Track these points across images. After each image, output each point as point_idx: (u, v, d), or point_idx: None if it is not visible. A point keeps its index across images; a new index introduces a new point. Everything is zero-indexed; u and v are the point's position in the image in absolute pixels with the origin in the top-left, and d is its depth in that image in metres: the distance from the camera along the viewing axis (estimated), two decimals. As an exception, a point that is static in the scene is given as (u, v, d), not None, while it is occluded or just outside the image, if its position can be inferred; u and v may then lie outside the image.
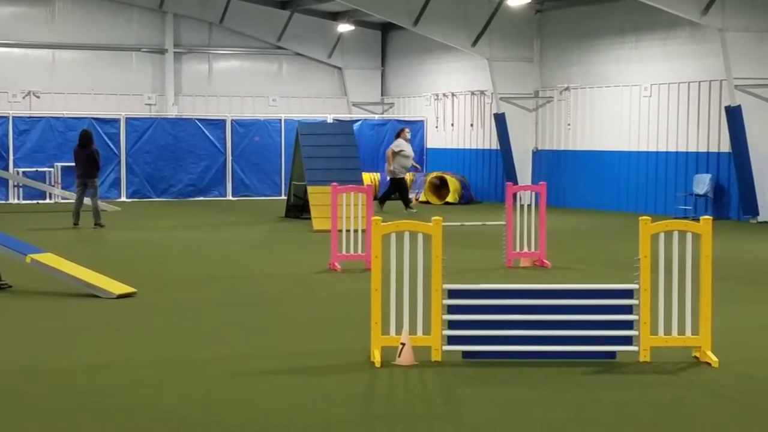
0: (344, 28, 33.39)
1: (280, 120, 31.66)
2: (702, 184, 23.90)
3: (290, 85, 34.67)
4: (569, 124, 27.93)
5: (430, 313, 8.79)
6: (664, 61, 25.22)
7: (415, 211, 24.88)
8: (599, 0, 26.79)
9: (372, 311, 8.83)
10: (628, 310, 8.87)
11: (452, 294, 8.90)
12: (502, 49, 28.45)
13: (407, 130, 27.42)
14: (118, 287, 12.49)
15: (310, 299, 12.55)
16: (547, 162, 28.61)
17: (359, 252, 14.91)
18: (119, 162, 29.97)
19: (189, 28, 33.68)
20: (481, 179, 30.63)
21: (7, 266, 13.09)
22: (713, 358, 8.74)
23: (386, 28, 34.46)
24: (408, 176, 27.79)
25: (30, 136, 29.33)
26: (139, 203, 29.01)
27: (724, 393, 7.97)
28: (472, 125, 31.12)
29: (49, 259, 12.99)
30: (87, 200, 21.44)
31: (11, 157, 29.17)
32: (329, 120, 31.29)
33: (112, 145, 29.72)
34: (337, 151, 22.56)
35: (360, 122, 31.94)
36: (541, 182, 16.02)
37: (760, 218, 22.92)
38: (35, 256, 12.85)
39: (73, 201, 22.25)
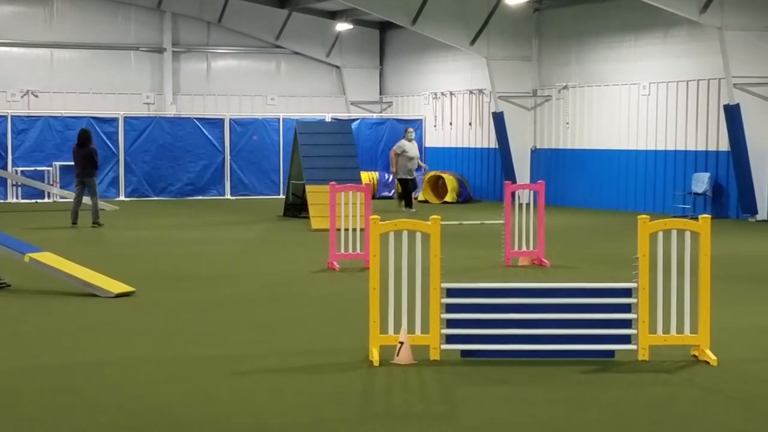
0: (342, 26, 33.40)
1: (279, 119, 31.65)
2: (701, 182, 23.89)
3: (288, 84, 34.68)
4: (568, 123, 27.92)
5: (429, 311, 8.78)
6: (662, 59, 25.21)
7: (414, 210, 24.87)
8: (598, -2, 26.84)
9: (370, 310, 8.83)
10: (626, 308, 8.87)
11: (451, 293, 8.90)
12: (500, 47, 28.44)
13: (411, 129, 27.33)
14: (116, 286, 12.49)
15: (309, 298, 12.54)
16: (546, 161, 28.60)
17: (358, 251, 14.92)
18: (118, 161, 29.98)
19: (187, 28, 33.68)
20: (480, 178, 30.62)
21: (6, 265, 13.09)
22: (712, 357, 8.74)
23: (384, 27, 34.46)
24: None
25: (28, 135, 29.34)
26: (138, 202, 29.00)
27: (723, 392, 7.96)
28: (470, 124, 31.11)
29: (47, 258, 12.98)
30: (87, 199, 21.46)
31: (10, 157, 29.17)
32: (327, 119, 31.27)
33: (110, 145, 29.73)
34: (335, 150, 22.55)
35: (358, 121, 31.92)
36: (539, 181, 16.01)
37: (759, 217, 22.92)
38: (34, 255, 12.84)
39: (71, 200, 22.26)
